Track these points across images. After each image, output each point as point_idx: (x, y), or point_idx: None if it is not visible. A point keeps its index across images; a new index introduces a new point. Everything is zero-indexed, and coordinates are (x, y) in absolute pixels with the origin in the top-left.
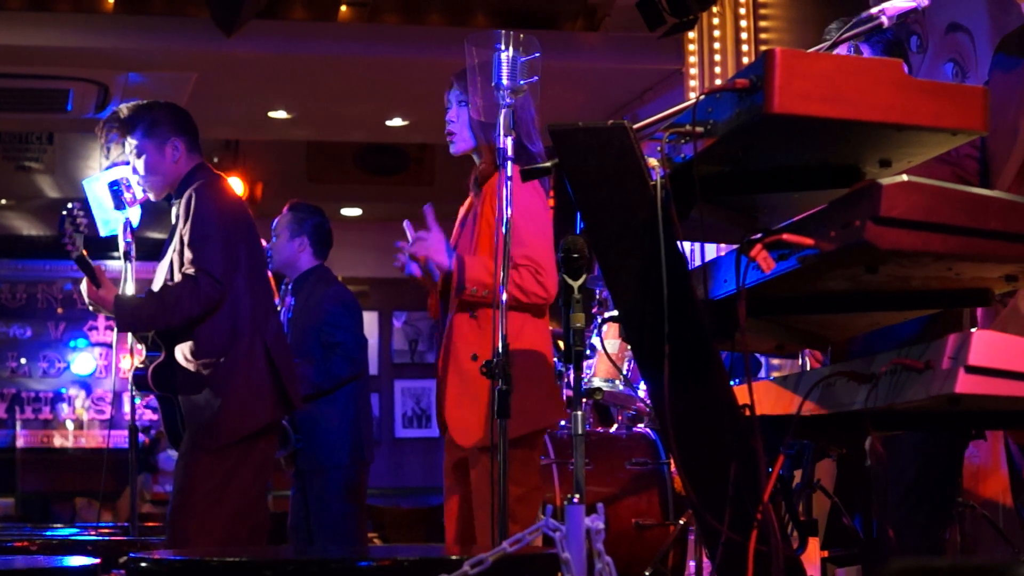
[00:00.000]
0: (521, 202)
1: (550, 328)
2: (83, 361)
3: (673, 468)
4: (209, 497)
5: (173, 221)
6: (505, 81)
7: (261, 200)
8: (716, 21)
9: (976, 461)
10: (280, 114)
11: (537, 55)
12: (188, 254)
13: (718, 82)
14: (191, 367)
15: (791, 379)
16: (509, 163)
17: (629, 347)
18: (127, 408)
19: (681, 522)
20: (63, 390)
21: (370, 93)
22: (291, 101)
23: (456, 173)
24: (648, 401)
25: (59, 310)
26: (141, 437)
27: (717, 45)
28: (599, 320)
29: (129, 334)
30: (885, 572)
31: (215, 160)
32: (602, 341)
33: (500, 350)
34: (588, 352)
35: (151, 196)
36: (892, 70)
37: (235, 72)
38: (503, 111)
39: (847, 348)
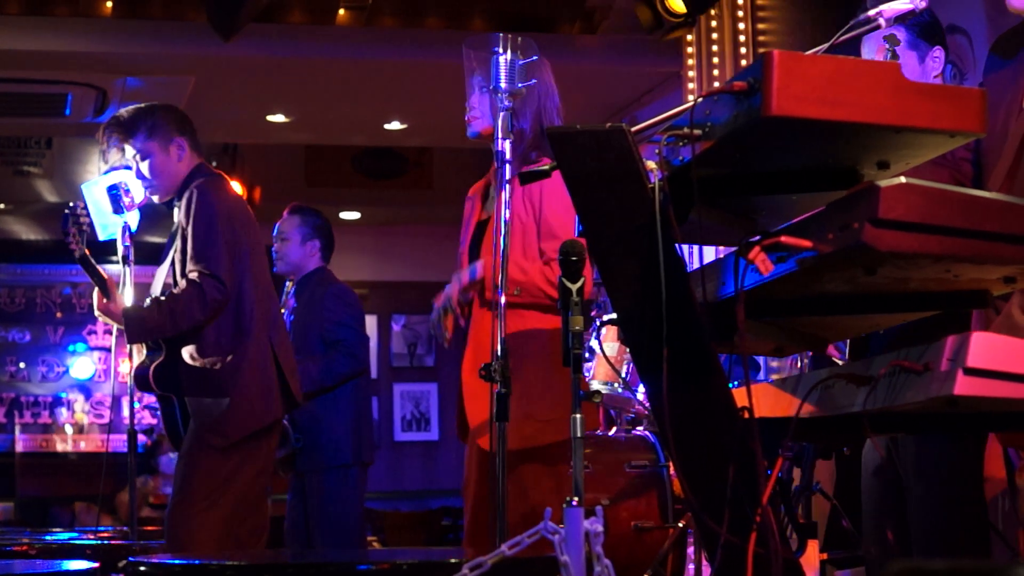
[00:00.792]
0: (556, 194)
1: None
2: (82, 365)
3: (672, 471)
4: (209, 496)
5: (176, 222)
6: (503, 84)
7: (259, 204)
8: (714, 23)
9: None
10: (278, 118)
11: (535, 58)
12: (192, 257)
13: (716, 84)
14: (198, 365)
15: (790, 381)
16: (507, 166)
17: (628, 350)
18: (126, 412)
19: (680, 525)
20: (62, 394)
21: (368, 96)
22: (289, 105)
23: (455, 176)
24: (647, 404)
25: (58, 314)
26: (143, 440)
27: (715, 47)
28: (598, 323)
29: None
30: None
31: (213, 164)
32: (601, 344)
33: (499, 352)
34: (587, 355)
35: (156, 198)
36: (890, 72)
37: (233, 76)
38: (501, 114)
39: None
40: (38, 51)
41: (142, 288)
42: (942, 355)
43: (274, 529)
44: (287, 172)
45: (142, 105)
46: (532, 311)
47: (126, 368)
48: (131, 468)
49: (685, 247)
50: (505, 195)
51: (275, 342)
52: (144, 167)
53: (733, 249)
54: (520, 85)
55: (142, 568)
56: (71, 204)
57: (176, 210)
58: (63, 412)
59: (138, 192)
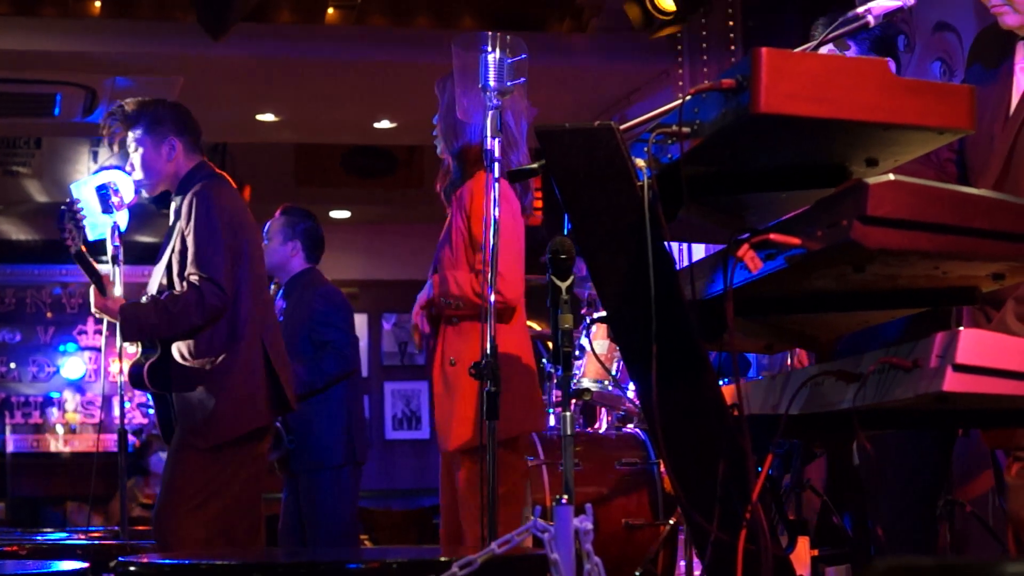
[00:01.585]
0: (477, 203)
1: (528, 333)
2: (73, 365)
3: (663, 468)
4: (195, 497)
5: (172, 219)
6: (492, 83)
7: (249, 204)
8: (704, 21)
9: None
10: (268, 117)
11: (524, 56)
12: (192, 261)
13: (705, 82)
14: (189, 365)
15: (779, 379)
16: (496, 164)
17: (617, 348)
18: (117, 412)
19: (671, 522)
20: (53, 394)
21: (358, 95)
22: (279, 104)
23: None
24: (637, 401)
25: (48, 314)
26: (132, 440)
27: (705, 45)
28: (587, 321)
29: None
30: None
31: None
32: (590, 342)
33: (488, 352)
34: (577, 353)
35: (145, 192)
36: (878, 69)
37: (222, 75)
38: (490, 112)
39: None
40: (27, 51)
41: (131, 288)
42: (931, 351)
43: (268, 529)
44: (277, 171)
45: (149, 99)
46: (472, 322)
47: (117, 368)
48: (121, 468)
49: (674, 245)
50: (494, 194)
51: (268, 346)
52: (135, 158)
53: (722, 247)
54: (509, 83)
55: (132, 568)
56: (68, 201)
57: (173, 205)
58: (54, 412)
59: (127, 192)
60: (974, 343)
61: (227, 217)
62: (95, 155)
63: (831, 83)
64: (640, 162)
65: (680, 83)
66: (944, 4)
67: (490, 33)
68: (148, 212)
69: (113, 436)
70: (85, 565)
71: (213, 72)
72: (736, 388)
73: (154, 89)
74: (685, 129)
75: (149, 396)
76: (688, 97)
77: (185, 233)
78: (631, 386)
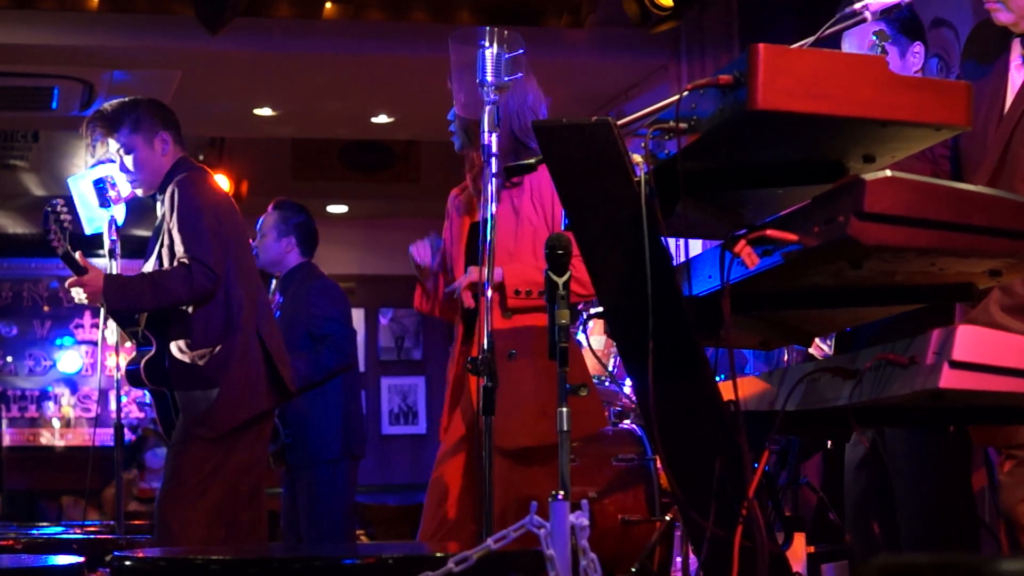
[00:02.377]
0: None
1: None
2: (69, 359)
3: (659, 464)
4: (199, 487)
5: (159, 217)
6: (489, 77)
7: (246, 198)
8: (702, 17)
9: None
10: (265, 111)
11: (522, 51)
12: (179, 246)
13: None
14: (186, 359)
15: (776, 375)
16: (494, 160)
17: (614, 343)
18: (113, 406)
19: (667, 518)
20: (49, 388)
21: (355, 90)
22: (276, 98)
23: (442, 170)
24: (634, 397)
25: (45, 308)
26: (129, 435)
27: (703, 41)
28: (584, 316)
29: (118, 330)
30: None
31: (200, 158)
32: (587, 337)
33: (486, 346)
34: None
35: (140, 192)
36: (876, 66)
37: (220, 69)
38: (487, 107)
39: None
40: (25, 44)
41: None
42: (928, 348)
43: (271, 524)
44: (274, 166)
45: (126, 99)
46: (531, 313)
47: (113, 362)
48: (117, 462)
49: (671, 240)
50: (491, 189)
51: (264, 333)
52: (128, 161)
53: (719, 243)
54: (506, 78)
55: (128, 562)
56: (51, 201)
57: (159, 203)
58: (50, 406)
59: (124, 186)
60: (971, 340)
61: (210, 206)
62: (92, 149)
63: (829, 79)
64: (637, 157)
65: (678, 79)
66: (941, 0)
67: (488, 28)
68: (145, 206)
69: (109, 430)
70: (81, 559)
71: (211, 66)
72: (733, 384)
73: (152, 83)
74: (682, 125)
75: (147, 393)
76: (685, 93)
77: (170, 226)
78: (628, 382)
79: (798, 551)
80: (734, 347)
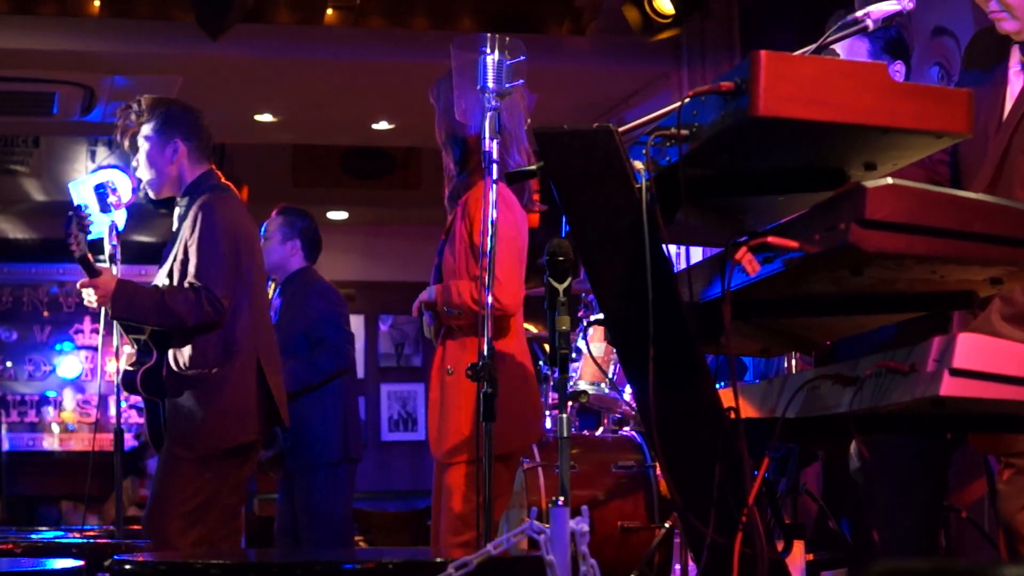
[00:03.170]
0: (479, 209)
1: (526, 344)
2: (69, 364)
3: (659, 471)
4: (184, 505)
5: (176, 224)
6: (490, 84)
7: (247, 204)
8: (703, 24)
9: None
10: (266, 118)
11: (523, 58)
12: (192, 267)
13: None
14: (183, 374)
15: (776, 382)
16: (494, 166)
17: (614, 350)
18: (113, 411)
19: (667, 525)
20: (49, 393)
21: (356, 96)
22: (277, 105)
23: (442, 177)
24: (634, 404)
25: (45, 313)
26: (132, 441)
27: (704, 48)
28: (584, 323)
29: (118, 335)
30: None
31: None
32: (587, 344)
33: (486, 353)
34: (574, 355)
35: (150, 193)
36: (877, 73)
37: (221, 75)
38: (488, 114)
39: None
40: (25, 50)
41: None
42: (928, 356)
43: (265, 529)
44: (274, 172)
45: (165, 98)
46: (473, 336)
47: (113, 367)
48: (117, 467)
49: (672, 247)
50: (492, 195)
51: (264, 362)
52: (141, 154)
53: (720, 249)
54: (507, 85)
55: (127, 567)
56: (76, 207)
57: (177, 210)
58: (50, 411)
59: (125, 191)
60: (971, 347)
61: (231, 233)
62: (93, 154)
63: (830, 87)
64: (638, 164)
65: (679, 86)
66: (942, 8)
67: (489, 35)
68: (146, 212)
69: (109, 435)
70: (80, 563)
71: (211, 72)
72: (733, 391)
73: (152, 89)
74: (684, 132)
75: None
76: (687, 99)
77: (188, 243)
78: (628, 389)
79: (797, 559)
80: (734, 354)
